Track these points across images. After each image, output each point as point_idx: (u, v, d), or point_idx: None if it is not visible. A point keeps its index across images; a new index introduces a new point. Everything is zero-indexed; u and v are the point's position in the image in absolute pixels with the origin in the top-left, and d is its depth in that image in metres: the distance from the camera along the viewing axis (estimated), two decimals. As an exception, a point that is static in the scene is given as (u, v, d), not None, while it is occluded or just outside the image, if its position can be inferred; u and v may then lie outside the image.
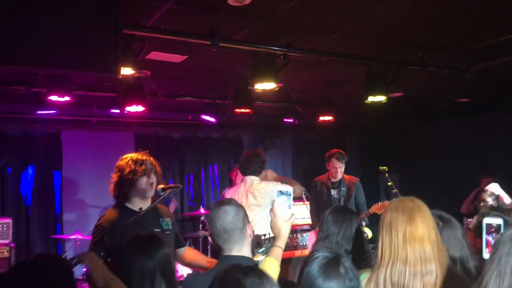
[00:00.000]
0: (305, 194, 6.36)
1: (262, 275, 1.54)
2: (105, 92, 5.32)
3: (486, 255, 2.09)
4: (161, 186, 3.03)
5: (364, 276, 1.93)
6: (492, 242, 2.09)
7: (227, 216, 2.17)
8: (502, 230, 2.09)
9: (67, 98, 4.44)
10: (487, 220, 2.09)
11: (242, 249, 2.19)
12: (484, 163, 6.86)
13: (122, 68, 3.41)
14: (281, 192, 2.35)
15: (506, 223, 2.30)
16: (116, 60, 2.25)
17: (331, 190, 5.54)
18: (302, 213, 6.42)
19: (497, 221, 2.10)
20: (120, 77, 2.92)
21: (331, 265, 1.60)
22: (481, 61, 4.56)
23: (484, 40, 4.14)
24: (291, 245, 6.39)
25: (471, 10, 3.48)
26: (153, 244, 2.17)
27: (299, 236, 6.41)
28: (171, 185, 3.02)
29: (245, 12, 3.36)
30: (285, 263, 6.39)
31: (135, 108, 4.80)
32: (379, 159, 8.10)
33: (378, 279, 1.86)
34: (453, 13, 3.53)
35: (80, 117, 6.54)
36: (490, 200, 4.78)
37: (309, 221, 6.20)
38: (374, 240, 2.08)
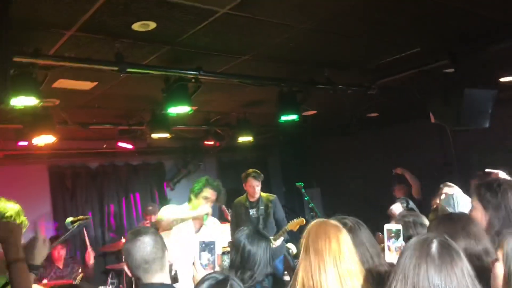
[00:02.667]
0: (228, 210, 6.40)
1: None
2: (10, 124, 5.02)
3: (387, 257, 2.21)
4: (70, 219, 2.90)
5: None
6: (392, 246, 2.22)
7: (147, 247, 2.13)
8: (401, 235, 2.23)
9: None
10: (387, 226, 2.22)
11: (162, 276, 2.16)
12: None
13: (24, 97, 3.28)
14: (204, 244, 2.30)
15: (405, 228, 2.46)
16: (4, 89, 2.14)
17: (250, 210, 5.59)
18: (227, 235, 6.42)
19: (396, 227, 2.24)
20: (14, 103, 2.76)
21: (220, 285, 1.60)
22: (382, 77, 4.89)
23: (382, 58, 4.45)
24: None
25: (368, 31, 3.73)
26: None
27: (225, 258, 6.37)
28: (79, 217, 2.90)
29: (151, 37, 3.36)
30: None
31: (44, 139, 4.56)
32: (301, 176, 8.35)
33: None
34: (350, 34, 3.77)
35: (-15, 152, 6.12)
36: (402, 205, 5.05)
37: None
38: (298, 255, 2.12)
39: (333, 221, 2.06)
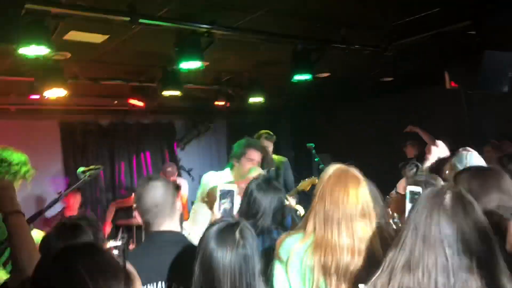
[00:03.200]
0: None
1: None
2: (23, 77, 5.00)
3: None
4: (82, 168, 2.91)
5: (294, 239, 1.93)
6: None
7: (157, 190, 2.13)
8: None
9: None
10: (410, 188, 2.17)
11: (171, 224, 2.15)
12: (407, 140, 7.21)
13: (35, 46, 3.24)
14: (223, 192, 2.23)
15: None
16: (16, 30, 2.09)
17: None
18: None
19: (419, 189, 2.19)
20: (24, 52, 2.72)
21: (227, 231, 1.58)
22: (399, 39, 4.75)
23: (400, 18, 4.31)
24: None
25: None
26: (78, 232, 2.08)
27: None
28: (91, 167, 2.91)
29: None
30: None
31: (56, 92, 4.56)
32: (311, 140, 8.30)
33: (326, 263, 1.84)
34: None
35: (-3, 105, 6.14)
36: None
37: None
38: None
39: (354, 171, 2.00)
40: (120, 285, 1.27)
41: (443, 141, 4.12)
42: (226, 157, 8.54)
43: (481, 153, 4.58)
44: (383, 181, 2.34)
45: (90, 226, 2.07)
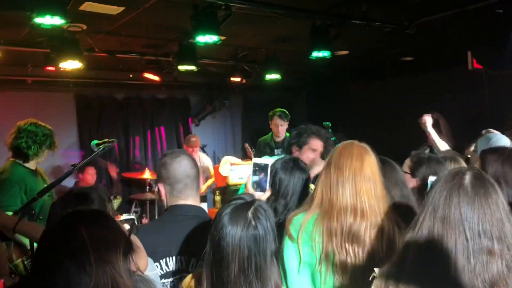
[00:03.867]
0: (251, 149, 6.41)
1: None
2: (39, 48, 4.98)
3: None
4: (95, 141, 2.89)
5: (301, 216, 1.91)
6: None
7: (187, 162, 2.13)
8: None
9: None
10: (432, 178, 2.12)
11: (195, 198, 2.15)
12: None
13: (51, 16, 3.20)
14: (257, 165, 2.20)
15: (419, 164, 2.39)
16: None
17: (275, 150, 5.55)
18: (243, 172, 6.47)
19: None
20: (40, 21, 2.69)
21: (241, 209, 1.54)
22: (421, 16, 4.60)
23: (425, -5, 4.16)
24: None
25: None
26: (84, 201, 2.08)
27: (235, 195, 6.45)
28: (105, 140, 2.89)
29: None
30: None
31: (71, 64, 4.54)
32: (327, 119, 8.20)
33: (330, 227, 1.83)
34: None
35: (14, 76, 6.14)
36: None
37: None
38: None
39: (361, 144, 1.99)
40: (119, 255, 1.26)
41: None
42: (241, 134, 8.53)
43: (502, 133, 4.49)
44: (400, 162, 2.28)
45: (98, 197, 2.05)
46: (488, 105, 6.97)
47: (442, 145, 3.71)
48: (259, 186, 2.19)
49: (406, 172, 2.44)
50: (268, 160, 2.23)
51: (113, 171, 6.27)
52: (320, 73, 7.62)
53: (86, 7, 4.05)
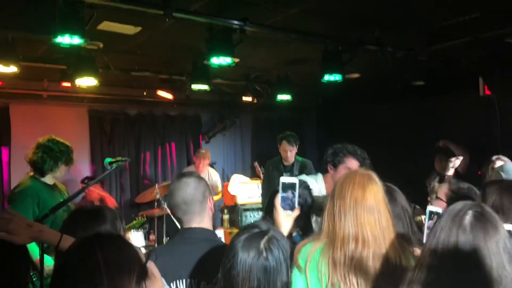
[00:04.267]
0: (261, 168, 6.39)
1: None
2: (56, 64, 5.09)
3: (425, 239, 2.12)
4: (109, 159, 2.93)
5: (309, 247, 1.92)
6: None
7: (187, 187, 2.13)
8: None
9: (13, 68, 4.21)
10: (430, 208, 2.12)
11: (202, 222, 2.15)
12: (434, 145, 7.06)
13: (70, 35, 3.28)
14: (285, 184, 2.19)
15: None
16: (52, 20, 2.10)
17: (284, 174, 5.38)
18: (252, 192, 6.49)
19: (439, 209, 2.14)
20: (59, 41, 2.76)
21: (254, 238, 1.55)
22: (435, 43, 4.64)
23: (438, 22, 4.20)
24: (240, 225, 6.46)
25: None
26: (96, 220, 2.09)
27: (247, 215, 6.47)
28: (118, 158, 2.93)
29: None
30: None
31: (87, 81, 4.63)
32: (336, 140, 8.20)
33: (335, 257, 1.83)
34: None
35: (30, 90, 6.25)
36: None
37: (258, 200, 6.19)
38: None
39: (366, 171, 1.98)
40: (132, 280, 1.28)
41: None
42: (250, 152, 8.56)
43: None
44: (409, 185, 2.27)
45: (110, 214, 2.07)
46: (498, 132, 6.95)
47: None
48: (287, 204, 2.18)
49: (440, 199, 2.42)
50: (295, 179, 2.21)
51: (110, 202, 6.16)
52: (331, 94, 7.66)
53: (104, 26, 4.14)
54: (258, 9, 3.82)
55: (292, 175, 5.41)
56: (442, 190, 2.51)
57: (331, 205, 1.92)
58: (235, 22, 3.75)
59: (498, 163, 4.27)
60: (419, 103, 7.50)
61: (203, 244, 2.08)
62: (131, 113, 7.41)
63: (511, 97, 5.65)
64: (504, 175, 3.09)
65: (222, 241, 2.20)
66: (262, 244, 1.53)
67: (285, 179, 2.20)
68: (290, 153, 5.32)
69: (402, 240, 1.88)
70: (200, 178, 2.23)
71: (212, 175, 6.91)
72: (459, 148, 5.93)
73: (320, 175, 3.48)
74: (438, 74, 6.36)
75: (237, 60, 4.06)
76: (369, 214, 1.84)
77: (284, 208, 2.15)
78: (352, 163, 3.25)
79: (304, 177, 3.58)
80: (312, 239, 1.96)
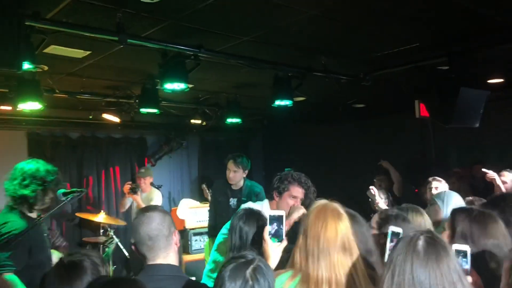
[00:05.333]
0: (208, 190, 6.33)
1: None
2: (-6, 87, 4.84)
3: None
4: (62, 190, 2.83)
5: (286, 276, 1.95)
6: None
7: (152, 223, 2.07)
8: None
9: None
10: (392, 228, 2.23)
11: (167, 257, 2.09)
12: (376, 164, 7.39)
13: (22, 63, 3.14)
14: (272, 217, 2.26)
15: (386, 221, 2.51)
16: (17, 53, 2.02)
17: (230, 199, 5.09)
18: (201, 216, 6.45)
19: (398, 229, 2.25)
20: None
21: (241, 267, 1.60)
22: (376, 70, 4.91)
23: (380, 51, 4.46)
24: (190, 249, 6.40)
25: (372, 22, 3.74)
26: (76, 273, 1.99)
27: (197, 239, 6.42)
28: (73, 189, 2.82)
29: (155, 9, 3.26)
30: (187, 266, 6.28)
31: (30, 106, 4.42)
32: (282, 161, 8.36)
33: None
34: (354, 24, 3.77)
35: (-38, 114, 5.88)
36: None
37: (205, 224, 5.99)
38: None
39: (334, 206, 2.04)
40: None
41: None
42: (198, 174, 8.49)
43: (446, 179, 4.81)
44: (350, 202, 2.38)
45: (90, 264, 1.98)
46: (433, 149, 7.42)
47: None
48: (275, 236, 2.24)
49: (373, 227, 2.54)
50: (282, 212, 2.30)
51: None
52: (276, 115, 7.82)
53: (51, 50, 4.01)
54: (211, 36, 3.87)
55: (239, 200, 5.10)
56: (374, 219, 2.64)
57: (303, 243, 1.95)
58: (190, 49, 3.76)
59: (435, 184, 4.58)
60: (360, 124, 7.86)
61: (170, 281, 2.03)
62: (73, 136, 7.14)
63: (442, 118, 6.06)
64: (440, 203, 3.32)
65: (188, 277, 2.17)
66: (248, 273, 1.57)
67: (272, 212, 2.29)
68: (233, 173, 4.97)
69: (373, 273, 1.96)
70: (165, 212, 2.18)
71: (154, 195, 6.64)
72: (396, 171, 6.30)
73: (266, 201, 3.54)
74: (377, 97, 6.69)
75: (191, 86, 4.06)
76: (343, 255, 1.90)
77: (273, 240, 2.20)
78: (297, 191, 3.32)
79: (250, 204, 3.63)
80: (287, 270, 1.99)
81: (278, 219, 2.26)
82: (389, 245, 2.20)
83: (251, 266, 1.59)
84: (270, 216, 2.27)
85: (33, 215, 2.96)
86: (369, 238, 2.28)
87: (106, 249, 4.89)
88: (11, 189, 2.91)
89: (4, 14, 1.99)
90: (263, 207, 3.43)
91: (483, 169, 4.48)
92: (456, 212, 2.23)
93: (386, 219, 2.49)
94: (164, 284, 2.00)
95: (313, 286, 1.87)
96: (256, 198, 4.97)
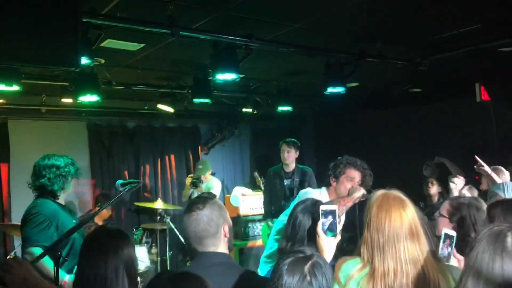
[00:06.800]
0: (263, 183, 6.42)
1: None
2: (56, 81, 5.07)
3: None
4: (120, 181, 2.93)
5: (353, 264, 1.94)
6: (446, 250, 2.15)
7: (199, 224, 2.10)
8: (453, 242, 2.15)
9: (16, 87, 4.18)
10: (446, 231, 2.16)
11: (216, 246, 2.15)
12: (433, 150, 7.13)
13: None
14: (325, 211, 2.27)
15: (459, 209, 2.42)
16: (76, 52, 2.09)
17: (284, 180, 5.61)
18: (254, 203, 6.52)
19: (453, 233, 2.17)
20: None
21: (299, 262, 1.60)
22: (434, 53, 4.69)
23: (438, 33, 4.25)
24: (244, 236, 6.48)
25: (427, 3, 3.56)
26: (120, 241, 2.11)
27: (250, 226, 6.50)
28: (131, 180, 2.92)
29: (206, 1, 3.28)
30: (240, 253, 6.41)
31: (89, 98, 4.60)
32: (334, 148, 8.23)
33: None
34: (409, 6, 3.60)
35: (29, 106, 6.21)
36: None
37: (261, 211, 6.26)
38: None
39: (396, 194, 2.00)
40: None
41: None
42: (249, 162, 8.56)
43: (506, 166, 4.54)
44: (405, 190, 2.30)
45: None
46: (495, 135, 7.03)
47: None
48: (329, 230, 2.25)
49: (443, 216, 2.46)
50: (334, 206, 2.29)
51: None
52: (328, 102, 7.70)
53: (107, 43, 4.14)
54: (262, 25, 3.84)
55: (293, 181, 5.62)
56: (444, 207, 2.55)
57: (368, 236, 1.94)
58: (241, 38, 3.76)
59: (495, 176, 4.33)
60: (416, 109, 7.58)
61: (219, 267, 2.08)
62: (130, 125, 7.38)
63: (506, 103, 5.73)
64: (501, 194, 3.16)
65: (237, 264, 2.20)
66: (306, 268, 1.58)
67: (325, 206, 2.29)
68: (287, 153, 5.54)
69: (436, 259, 1.93)
70: (214, 207, 2.17)
71: (214, 184, 6.84)
72: (454, 166, 6.04)
73: (324, 189, 3.55)
74: (434, 81, 6.42)
75: (242, 75, 4.07)
76: (411, 242, 1.88)
77: (327, 234, 2.19)
78: (353, 173, 3.36)
79: (309, 190, 3.68)
80: (351, 258, 1.98)
81: (331, 213, 2.24)
82: (442, 245, 2.13)
83: (310, 262, 1.60)
84: (322, 210, 2.26)
85: (61, 201, 3.33)
86: (425, 225, 2.20)
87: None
88: (31, 182, 3.28)
89: (61, 13, 2.05)
90: (321, 194, 3.46)
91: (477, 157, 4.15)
92: (491, 206, 2.15)
93: (458, 208, 2.39)
94: (213, 270, 2.05)
95: (379, 278, 1.86)
96: (308, 178, 5.55)
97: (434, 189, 5.73)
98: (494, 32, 4.14)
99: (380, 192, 2.04)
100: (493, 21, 3.95)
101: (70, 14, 2.07)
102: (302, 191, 3.62)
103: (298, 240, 2.49)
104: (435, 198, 5.74)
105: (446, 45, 4.52)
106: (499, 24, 4.01)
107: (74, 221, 3.29)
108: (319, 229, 2.25)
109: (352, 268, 1.93)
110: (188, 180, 6.40)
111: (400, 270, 1.84)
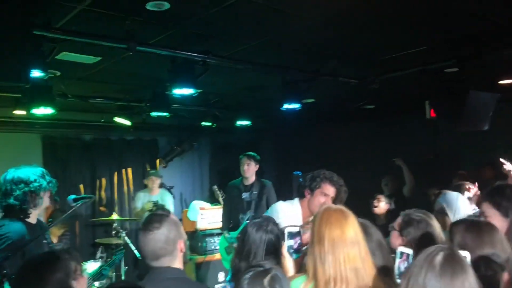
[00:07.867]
0: (222, 197, 6.44)
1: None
2: (8, 93, 4.95)
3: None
4: (73, 196, 2.89)
5: (300, 281, 1.99)
6: (402, 266, 2.23)
7: (157, 244, 2.11)
8: (410, 259, 2.24)
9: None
10: (401, 249, 2.24)
11: (171, 262, 2.17)
12: (386, 164, 7.38)
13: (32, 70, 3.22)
14: (291, 233, 2.32)
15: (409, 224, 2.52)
16: (25, 67, 2.07)
17: (243, 194, 5.60)
18: (212, 217, 6.52)
19: (409, 251, 2.25)
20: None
21: (259, 276, 1.68)
22: (385, 72, 4.90)
23: (389, 54, 4.45)
24: (201, 251, 6.43)
25: (380, 26, 3.74)
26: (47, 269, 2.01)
27: (208, 240, 6.47)
28: (83, 195, 2.88)
29: (164, 17, 3.32)
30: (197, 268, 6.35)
31: (43, 111, 4.51)
32: (293, 161, 8.38)
33: None
34: (362, 28, 3.77)
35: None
36: None
37: (219, 225, 6.23)
38: None
39: (337, 206, 2.09)
40: None
41: None
42: (209, 176, 8.56)
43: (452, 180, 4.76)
44: (362, 202, 2.41)
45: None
46: (444, 150, 7.35)
47: None
48: (295, 251, 2.32)
49: (394, 229, 2.54)
50: (298, 227, 2.38)
51: None
52: (286, 116, 7.84)
53: (63, 56, 4.09)
54: (219, 41, 3.91)
55: (251, 194, 5.63)
56: (397, 221, 2.63)
57: (311, 250, 2.00)
58: (198, 55, 3.81)
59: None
60: (369, 125, 7.84)
61: (173, 282, 2.10)
62: (86, 138, 7.25)
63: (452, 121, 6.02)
64: (446, 207, 3.32)
65: (189, 278, 2.22)
66: (266, 281, 1.66)
67: (290, 228, 2.36)
68: (247, 167, 5.52)
69: (382, 272, 2.00)
70: (170, 225, 2.17)
71: (166, 198, 6.79)
72: (408, 173, 6.28)
73: (296, 200, 3.55)
74: (386, 98, 6.67)
75: (200, 90, 4.11)
76: (350, 248, 1.93)
77: (292, 256, 2.29)
78: (329, 189, 3.36)
79: (280, 203, 3.65)
80: (302, 274, 2.04)
81: (297, 235, 2.32)
82: (398, 260, 2.20)
83: (269, 275, 1.68)
84: (288, 232, 2.32)
85: (32, 220, 2.85)
86: (384, 245, 2.27)
87: (113, 257, 4.99)
88: None
89: (11, 26, 2.03)
90: (293, 205, 3.47)
91: (501, 159, 4.34)
92: (453, 224, 2.25)
93: (408, 222, 2.48)
94: (166, 284, 2.08)
95: (322, 286, 1.91)
96: (267, 191, 5.56)
97: (381, 207, 5.58)
98: (439, 54, 4.37)
99: (322, 207, 2.11)
100: (438, 43, 4.19)
101: (19, 29, 2.05)
102: (273, 205, 3.62)
103: (250, 257, 2.50)
104: (382, 218, 5.51)
105: (396, 65, 4.73)
106: (444, 47, 4.25)
107: (44, 240, 2.94)
108: (285, 251, 2.31)
109: (299, 285, 1.98)
110: (149, 206, 6.41)
111: (339, 277, 1.89)
